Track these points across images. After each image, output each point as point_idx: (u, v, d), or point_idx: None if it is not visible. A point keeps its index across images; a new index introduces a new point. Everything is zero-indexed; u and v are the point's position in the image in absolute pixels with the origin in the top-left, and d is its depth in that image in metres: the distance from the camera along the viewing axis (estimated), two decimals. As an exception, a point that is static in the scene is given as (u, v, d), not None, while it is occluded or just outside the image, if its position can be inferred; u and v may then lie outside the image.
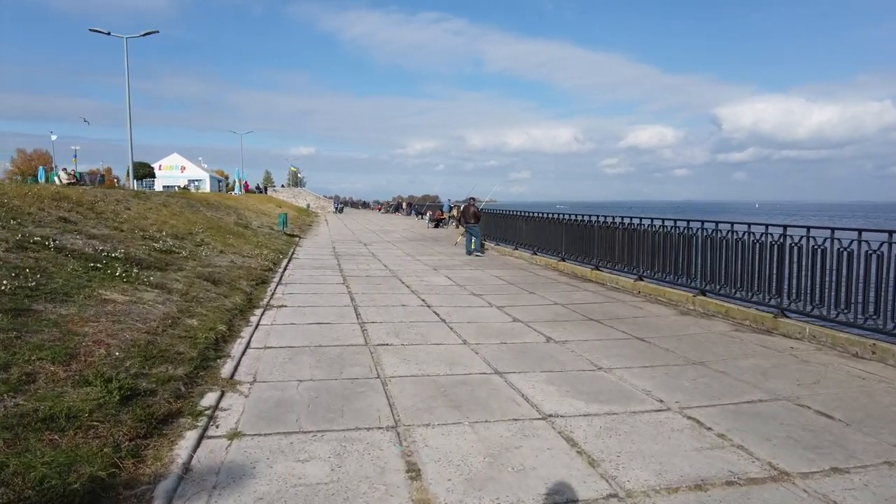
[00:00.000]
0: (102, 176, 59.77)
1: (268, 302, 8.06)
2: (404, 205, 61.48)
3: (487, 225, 19.36)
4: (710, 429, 3.99)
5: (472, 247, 16.63)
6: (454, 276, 11.76)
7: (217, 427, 3.74)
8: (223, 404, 4.15)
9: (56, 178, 27.41)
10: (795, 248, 6.86)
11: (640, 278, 10.07)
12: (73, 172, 28.82)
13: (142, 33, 23.08)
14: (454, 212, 34.51)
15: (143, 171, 57.02)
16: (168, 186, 55.06)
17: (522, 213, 16.12)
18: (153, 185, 58.91)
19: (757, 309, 7.51)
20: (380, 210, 69.78)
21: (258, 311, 7.36)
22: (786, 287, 7.04)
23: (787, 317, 7.04)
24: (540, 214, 14.69)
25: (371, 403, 4.25)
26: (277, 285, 9.61)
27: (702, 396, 4.69)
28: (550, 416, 4.15)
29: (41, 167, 50.92)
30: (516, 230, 16.42)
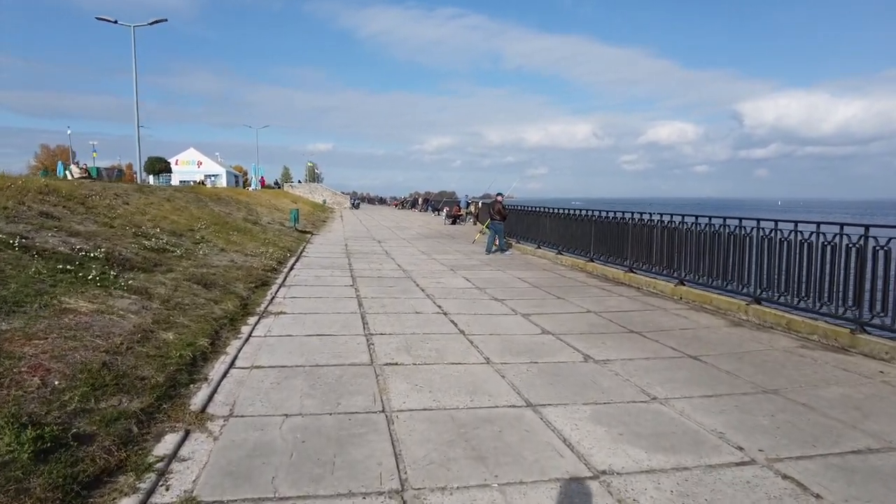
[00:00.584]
0: (121, 171, 59.95)
1: (265, 308, 7.19)
2: (420, 201, 60.53)
3: (508, 222, 18.37)
4: (818, 496, 3.00)
5: (494, 246, 15.73)
6: (473, 277, 10.81)
7: (167, 489, 2.85)
8: (184, 451, 3.26)
9: (68, 173, 26.99)
10: (881, 251, 5.79)
11: (682, 282, 9.02)
12: (85, 167, 28.41)
13: (149, 22, 22.42)
14: (472, 208, 33.52)
15: (160, 167, 56.80)
16: (184, 182, 54.82)
17: (546, 210, 15.09)
18: (170, 180, 58.85)
19: (828, 322, 6.45)
20: (396, 206, 69.04)
21: (252, 320, 6.48)
22: (867, 298, 5.97)
23: (868, 332, 5.97)
24: (566, 211, 13.65)
25: (371, 452, 3.32)
26: (279, 288, 8.74)
27: (790, 442, 3.69)
28: (604, 472, 3.18)
29: (60, 162, 51.56)
30: (539, 228, 15.40)
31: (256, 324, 6.36)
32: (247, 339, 5.68)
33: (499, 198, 16.35)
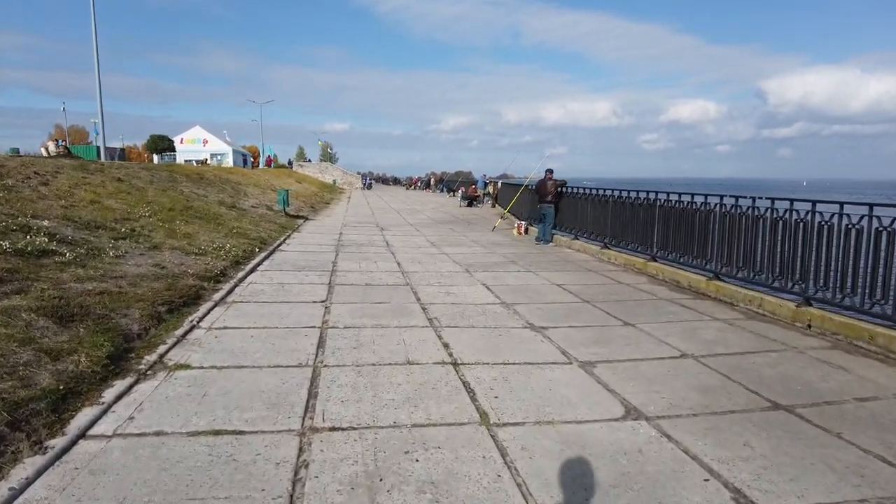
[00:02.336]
0: (122, 150, 57.90)
1: (161, 355, 4.38)
2: (433, 181, 57.30)
3: (534, 206, 15.41)
4: None
5: (540, 234, 13.13)
6: (496, 284, 7.93)
7: None
8: None
9: (43, 151, 24.51)
10: None
11: (809, 302, 6.06)
12: (64, 144, 25.83)
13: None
14: (490, 188, 30.45)
15: (163, 145, 54.53)
16: (189, 161, 52.47)
17: (588, 193, 12.01)
18: (174, 158, 56.64)
19: None
20: (408, 188, 65.99)
21: (112, 391, 3.67)
22: None
23: None
24: (617, 195, 10.61)
25: None
26: (213, 308, 5.95)
27: None
28: None
29: (59, 140, 50.30)
30: (578, 215, 12.39)
31: (115, 402, 3.54)
32: (52, 464, 2.85)
33: (549, 175, 13.24)
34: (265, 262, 9.06)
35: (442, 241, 13.02)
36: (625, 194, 10.26)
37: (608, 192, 10.89)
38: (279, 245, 11.14)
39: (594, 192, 11.56)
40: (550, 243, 12.79)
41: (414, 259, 10.17)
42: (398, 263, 9.61)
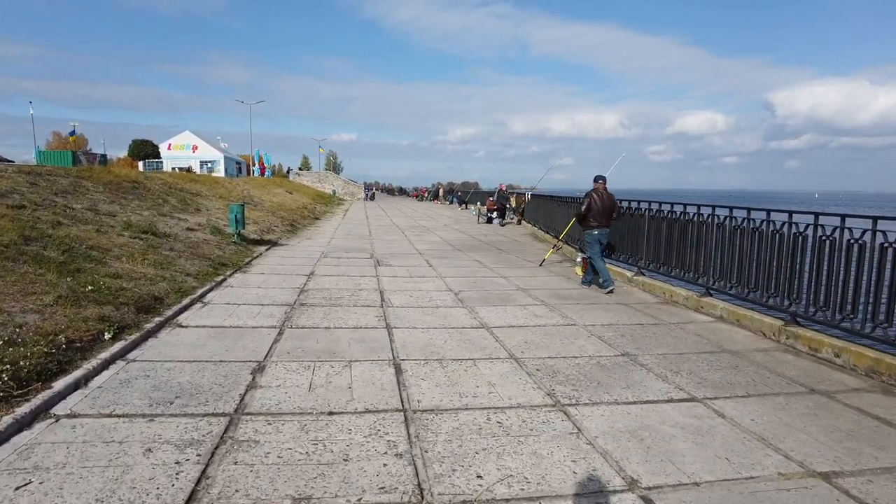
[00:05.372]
0: (104, 156, 53.49)
1: None
2: (441, 192, 52.34)
3: (571, 227, 10.36)
4: None
5: (590, 275, 8.54)
6: (669, 496, 2.87)
7: None
8: None
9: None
10: None
11: None
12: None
13: None
14: (513, 201, 25.34)
15: (146, 151, 49.78)
16: (174, 168, 47.81)
17: (703, 215, 6.92)
18: (160, 166, 52.00)
19: None
20: (416, 197, 61.09)
21: None
22: None
23: None
24: (779, 225, 5.46)
25: None
26: None
27: None
28: None
29: (36, 147, 47.31)
30: (659, 241, 7.27)
31: None
32: None
33: (602, 183, 8.47)
34: (94, 382, 4.00)
35: (472, 291, 7.95)
36: (802, 222, 5.12)
37: (754, 217, 5.74)
38: (182, 309, 6.09)
39: (722, 214, 6.38)
40: (607, 286, 8.08)
41: (428, 346, 5.13)
42: (396, 367, 4.57)
